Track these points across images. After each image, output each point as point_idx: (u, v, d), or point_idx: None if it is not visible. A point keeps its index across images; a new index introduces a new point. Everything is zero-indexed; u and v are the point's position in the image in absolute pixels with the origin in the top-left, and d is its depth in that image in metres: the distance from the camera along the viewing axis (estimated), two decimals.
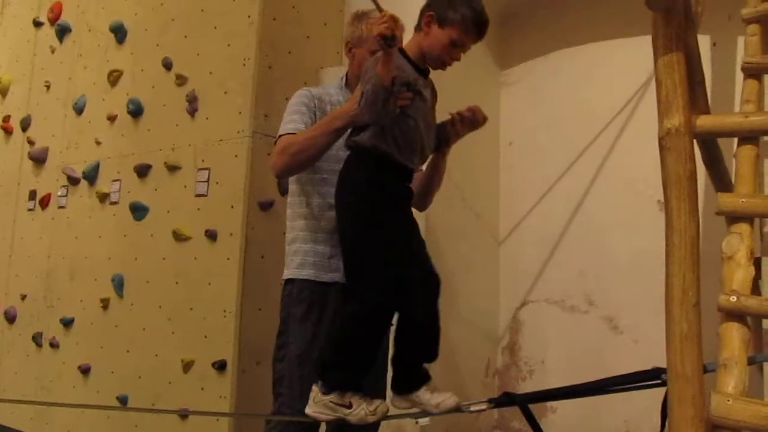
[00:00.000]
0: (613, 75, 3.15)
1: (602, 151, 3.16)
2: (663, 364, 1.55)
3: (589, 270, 3.12)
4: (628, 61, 3.06)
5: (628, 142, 3.10)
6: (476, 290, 3.25)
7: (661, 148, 1.53)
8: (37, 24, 4.10)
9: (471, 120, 1.97)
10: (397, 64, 1.77)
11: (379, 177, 1.82)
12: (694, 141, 1.61)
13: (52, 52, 3.97)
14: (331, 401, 1.75)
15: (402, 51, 1.85)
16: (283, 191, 2.85)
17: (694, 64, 1.69)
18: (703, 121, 1.62)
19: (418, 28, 1.87)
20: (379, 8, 1.76)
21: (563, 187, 3.25)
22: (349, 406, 1.75)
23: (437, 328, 1.86)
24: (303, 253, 2.12)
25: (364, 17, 2.19)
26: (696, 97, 1.71)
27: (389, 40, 1.66)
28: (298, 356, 2.07)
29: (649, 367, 2.23)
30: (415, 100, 1.81)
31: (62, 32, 3.92)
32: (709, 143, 1.90)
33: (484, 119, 1.99)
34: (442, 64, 1.86)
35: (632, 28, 3.04)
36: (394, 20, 1.68)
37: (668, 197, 1.50)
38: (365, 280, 1.76)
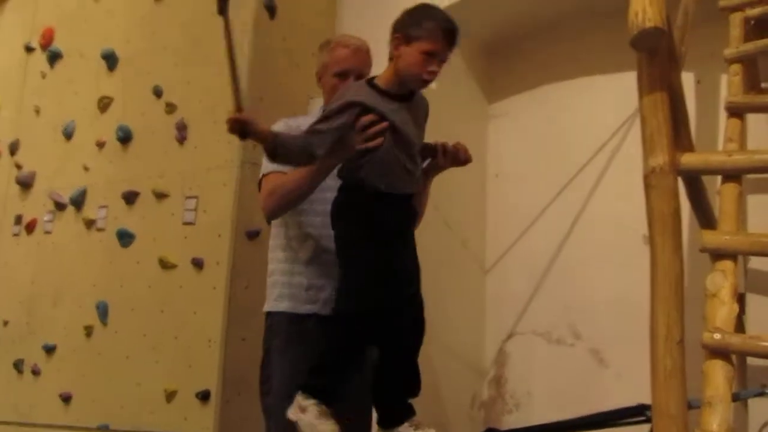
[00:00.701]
0: (600, 108, 3.19)
1: (588, 184, 3.19)
2: (649, 398, 1.56)
3: (575, 302, 3.13)
4: (614, 95, 3.10)
5: (613, 176, 3.13)
6: (462, 322, 3.24)
7: (646, 186, 1.55)
8: (29, 49, 4.11)
9: (453, 156, 1.97)
10: (353, 92, 1.83)
11: (361, 204, 1.83)
12: (678, 178, 1.63)
13: (43, 77, 3.98)
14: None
15: (370, 81, 1.87)
16: (270, 221, 2.85)
17: (678, 103, 1.72)
18: (687, 159, 1.64)
19: (390, 58, 1.86)
20: (238, 106, 1.78)
21: (549, 220, 3.27)
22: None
23: (414, 364, 1.85)
24: (280, 285, 2.12)
25: (326, 45, 2.22)
26: (680, 135, 1.74)
27: (239, 138, 1.76)
28: (280, 390, 2.05)
29: (634, 402, 2.24)
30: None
31: (53, 58, 3.93)
32: (693, 180, 1.92)
33: (467, 160, 1.99)
34: (422, 81, 1.83)
35: (619, 62, 3.09)
36: (236, 122, 1.72)
37: (652, 234, 1.52)
38: (346, 293, 1.81)
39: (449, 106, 3.22)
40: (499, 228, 3.39)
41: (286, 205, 2.05)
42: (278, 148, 1.78)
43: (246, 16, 3.05)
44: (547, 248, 3.24)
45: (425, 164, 1.99)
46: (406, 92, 1.88)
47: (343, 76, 2.13)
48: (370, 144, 1.80)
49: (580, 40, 3.29)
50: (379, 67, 2.07)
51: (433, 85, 3.10)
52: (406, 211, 1.89)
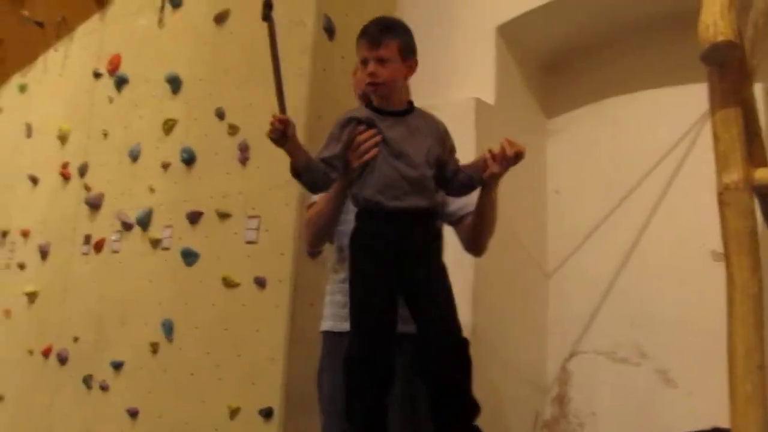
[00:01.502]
0: (662, 122, 3.13)
1: (652, 200, 3.12)
2: (719, 420, 1.51)
3: (640, 320, 3.05)
4: (677, 108, 3.05)
5: (677, 190, 3.06)
6: (523, 339, 3.20)
7: (720, 203, 1.50)
8: (96, 75, 4.26)
9: (502, 157, 1.89)
10: (351, 111, 1.93)
11: (367, 225, 1.86)
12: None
13: (110, 101, 4.12)
14: None
15: (368, 103, 1.94)
16: (309, 252, 2.89)
17: (751, 117, 1.67)
18: (762, 174, 1.59)
19: None
20: (282, 108, 1.86)
21: (612, 236, 3.21)
22: None
23: (462, 390, 1.82)
24: (326, 305, 2.22)
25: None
26: (753, 150, 1.68)
27: (275, 142, 1.81)
28: (326, 409, 2.11)
29: (704, 424, 2.17)
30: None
31: (120, 83, 4.06)
32: (767, 196, 1.86)
33: (518, 153, 1.89)
34: (367, 87, 1.90)
35: (681, 74, 3.03)
36: (280, 122, 1.77)
37: (728, 253, 1.47)
38: (352, 336, 1.82)
39: (507, 122, 3.20)
40: (560, 245, 3.34)
41: (317, 234, 2.11)
42: (305, 169, 1.86)
43: (305, 38, 3.11)
44: (610, 264, 3.17)
45: (485, 175, 1.92)
46: (401, 108, 1.92)
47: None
48: (366, 157, 1.84)
49: (639, 53, 3.24)
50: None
51: (490, 101, 3.14)
52: (419, 227, 1.85)
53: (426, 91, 3.20)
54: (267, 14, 1.92)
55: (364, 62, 1.87)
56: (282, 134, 1.79)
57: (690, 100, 2.83)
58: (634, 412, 2.96)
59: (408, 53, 1.90)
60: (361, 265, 1.85)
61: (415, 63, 1.92)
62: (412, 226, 1.84)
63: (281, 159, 3.02)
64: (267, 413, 2.83)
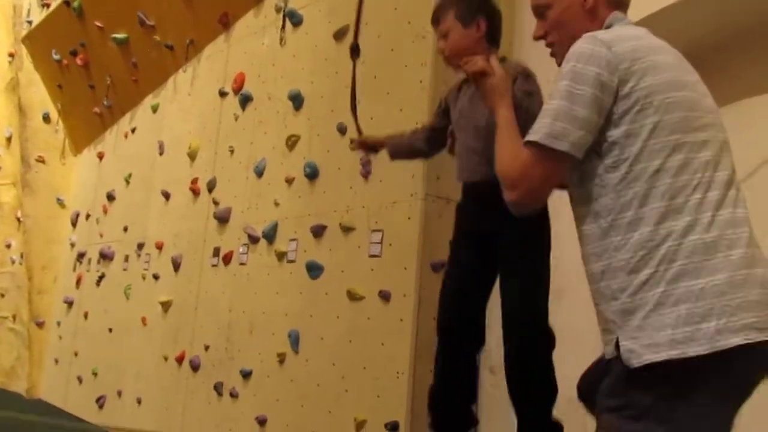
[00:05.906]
0: None
1: None
2: None
3: None
4: None
5: None
6: None
7: None
8: (222, 94, 4.45)
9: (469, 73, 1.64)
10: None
11: (460, 201, 2.04)
12: None
13: (236, 119, 4.28)
14: None
15: None
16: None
17: None
18: None
19: None
20: (358, 130, 2.50)
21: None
22: None
23: (525, 369, 1.86)
24: None
25: None
26: None
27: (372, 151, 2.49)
28: None
29: None
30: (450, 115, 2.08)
31: (244, 101, 4.22)
32: None
33: (468, 71, 1.62)
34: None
35: None
36: (360, 144, 2.49)
37: None
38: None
39: None
40: None
41: None
42: (393, 153, 2.32)
43: (426, 51, 3.11)
44: None
45: None
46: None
47: None
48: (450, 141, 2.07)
49: None
50: None
51: None
52: (498, 199, 1.59)
53: None
54: (354, 51, 2.61)
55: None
56: (370, 149, 2.31)
57: None
58: None
59: (468, 18, 1.93)
60: (452, 239, 2.02)
61: (483, 22, 1.94)
62: (489, 198, 1.70)
63: (404, 173, 3.07)
64: (393, 427, 2.84)
